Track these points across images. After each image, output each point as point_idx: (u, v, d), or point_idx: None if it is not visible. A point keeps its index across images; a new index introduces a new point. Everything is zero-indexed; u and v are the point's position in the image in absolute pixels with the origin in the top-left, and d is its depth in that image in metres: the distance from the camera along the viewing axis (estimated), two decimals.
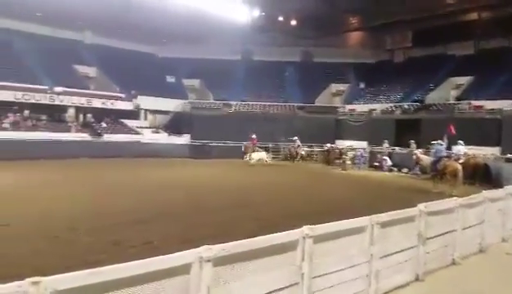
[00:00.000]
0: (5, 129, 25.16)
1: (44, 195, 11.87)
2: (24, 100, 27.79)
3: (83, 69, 34.37)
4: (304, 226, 4.49)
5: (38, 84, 28.93)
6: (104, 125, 29.93)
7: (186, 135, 31.31)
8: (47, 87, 29.19)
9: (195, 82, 38.16)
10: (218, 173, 19.84)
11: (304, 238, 4.44)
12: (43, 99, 28.70)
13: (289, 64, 40.30)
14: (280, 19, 37.73)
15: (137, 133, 30.59)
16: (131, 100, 33.07)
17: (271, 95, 37.13)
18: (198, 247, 3.54)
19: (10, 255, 6.37)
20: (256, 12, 36.27)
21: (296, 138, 27.26)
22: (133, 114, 33.19)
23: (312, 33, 38.90)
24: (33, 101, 28.18)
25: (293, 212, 10.15)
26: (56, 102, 29.27)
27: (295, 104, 35.57)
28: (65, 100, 29.79)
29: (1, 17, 31.39)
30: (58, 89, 29.23)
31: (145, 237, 7.56)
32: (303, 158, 27.12)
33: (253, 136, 26.06)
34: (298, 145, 27.17)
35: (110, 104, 31.50)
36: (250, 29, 36.50)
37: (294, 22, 37.96)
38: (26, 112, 27.90)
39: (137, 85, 33.37)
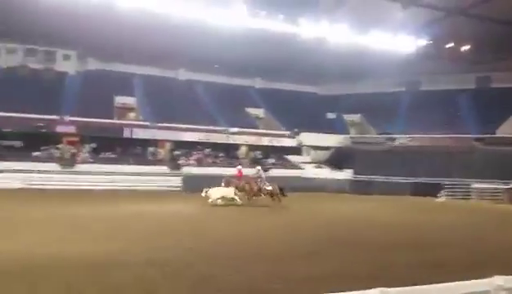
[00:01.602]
0: (191, 165, 29.45)
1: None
2: (205, 140, 32.12)
3: (253, 111, 37.98)
4: (495, 276, 3.92)
5: (216, 126, 33.17)
6: (270, 161, 32.12)
7: (347, 170, 31.05)
8: (223, 128, 33.18)
9: (356, 117, 37.94)
10: (385, 210, 18.86)
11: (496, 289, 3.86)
12: (220, 138, 32.65)
13: (461, 92, 36.56)
14: (450, 45, 34.83)
15: (300, 168, 31.81)
16: (294, 137, 34.82)
17: (440, 127, 34.00)
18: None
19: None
20: (422, 41, 34.32)
21: (259, 168, 20.48)
22: (296, 150, 34.74)
23: (488, 57, 34.68)
24: (213, 141, 32.30)
25: (481, 258, 8.81)
26: (231, 141, 32.91)
27: (472, 136, 31.76)
28: (238, 139, 33.24)
29: (187, 70, 37.85)
30: (233, 130, 32.94)
31: (310, 271, 7.65)
32: (272, 194, 18.86)
33: (239, 167, 21.58)
34: (260, 177, 19.30)
35: (276, 142, 33.80)
36: (415, 59, 34.70)
37: (466, 47, 34.54)
38: (207, 150, 32.07)
39: (300, 123, 35.02)
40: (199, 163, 30.14)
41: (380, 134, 35.07)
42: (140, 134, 30.66)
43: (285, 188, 19.32)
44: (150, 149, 31.01)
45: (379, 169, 27.79)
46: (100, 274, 6.98)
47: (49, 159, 26.26)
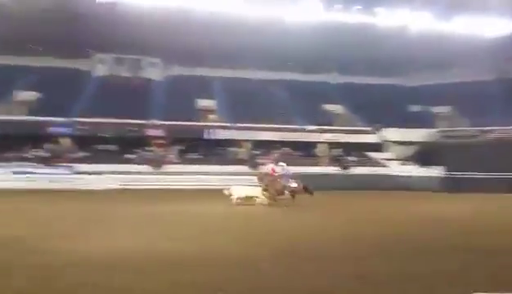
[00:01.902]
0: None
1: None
2: (283, 139, 32.17)
3: (330, 108, 37.23)
4: None
5: (293, 124, 33.07)
6: (350, 159, 31.23)
7: (435, 166, 29.08)
8: (300, 127, 32.97)
9: (445, 110, 35.42)
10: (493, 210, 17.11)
11: None
12: (298, 137, 32.47)
13: None
14: None
15: (383, 166, 30.49)
16: (375, 133, 33.49)
17: None
18: None
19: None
20: None
21: (283, 164, 18.12)
22: (378, 147, 33.38)
23: None
24: (290, 139, 32.25)
25: None
26: (309, 139, 32.58)
27: None
28: (316, 137, 32.79)
29: (262, 69, 38.29)
30: (310, 127, 32.58)
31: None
32: (294, 192, 17.01)
33: (283, 164, 18.15)
34: (284, 175, 17.30)
35: (355, 139, 32.77)
36: (508, 44, 31.52)
37: None
38: (285, 149, 32.09)
39: (381, 117, 33.57)
40: (278, 162, 30.21)
41: (473, 126, 32.31)
42: (219, 135, 31.67)
43: (308, 185, 17.52)
44: (231, 149, 31.88)
45: (472, 164, 25.60)
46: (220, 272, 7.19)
47: (141, 161, 28.19)
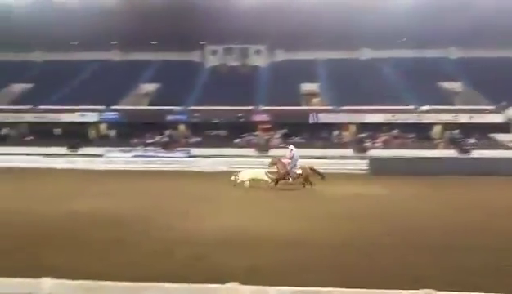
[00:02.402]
0: (378, 147, 28.41)
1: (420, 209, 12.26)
2: (392, 121, 30.40)
3: (448, 85, 33.96)
4: None
5: (404, 105, 30.96)
6: (472, 141, 28.20)
7: None
8: (413, 107, 30.72)
9: None
10: None
11: None
12: (410, 118, 30.35)
13: None
14: None
15: (511, 148, 26.84)
16: (501, 112, 29.61)
17: None
18: None
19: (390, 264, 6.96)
20: None
21: (291, 148, 16.90)
22: (505, 128, 29.47)
23: None
24: (401, 121, 30.31)
25: None
26: (423, 120, 30.23)
27: None
28: (431, 118, 30.27)
29: (370, 49, 36.45)
30: (424, 108, 30.18)
31: None
32: (305, 179, 16.13)
33: (291, 147, 17.00)
34: (292, 159, 16.24)
35: (477, 119, 29.40)
36: None
37: None
38: (395, 131, 30.31)
39: (507, 95, 29.46)
40: (387, 145, 28.78)
41: None
42: (324, 118, 31.24)
43: (317, 170, 16.47)
44: (335, 132, 31.26)
45: None
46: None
47: (247, 145, 29.39)
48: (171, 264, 6.87)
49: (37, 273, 3.53)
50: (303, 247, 7.89)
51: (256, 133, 31.29)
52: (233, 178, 16.35)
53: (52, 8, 31.15)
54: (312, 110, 32.13)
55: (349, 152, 27.92)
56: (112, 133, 32.46)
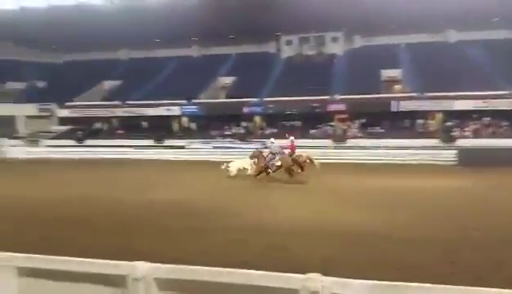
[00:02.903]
0: (467, 136, 26.31)
1: None
2: (483, 108, 27.90)
3: None
4: None
5: (496, 90, 28.19)
6: None
7: None
8: (506, 92, 27.87)
9: None
10: None
11: None
12: (503, 104, 27.60)
13: None
14: None
15: None
16: None
17: None
18: None
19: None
20: None
21: (272, 140, 17.29)
22: None
23: None
24: (493, 108, 27.70)
25: None
26: None
27: None
28: None
29: (457, 31, 33.68)
30: None
31: None
32: (288, 170, 15.69)
33: (292, 138, 18.07)
34: (271, 153, 16.18)
35: None
36: None
37: None
38: (486, 119, 27.81)
39: None
40: (477, 134, 26.52)
41: None
42: (407, 106, 29.61)
43: (300, 159, 15.73)
44: (419, 121, 29.51)
45: None
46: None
47: (323, 136, 28.94)
48: (247, 253, 7.02)
49: (127, 257, 3.83)
50: (384, 241, 7.63)
51: (332, 123, 30.67)
52: (223, 167, 16.93)
53: (135, 8, 33.17)
54: (394, 98, 30.60)
55: (435, 142, 26.22)
56: (193, 126, 34.01)
